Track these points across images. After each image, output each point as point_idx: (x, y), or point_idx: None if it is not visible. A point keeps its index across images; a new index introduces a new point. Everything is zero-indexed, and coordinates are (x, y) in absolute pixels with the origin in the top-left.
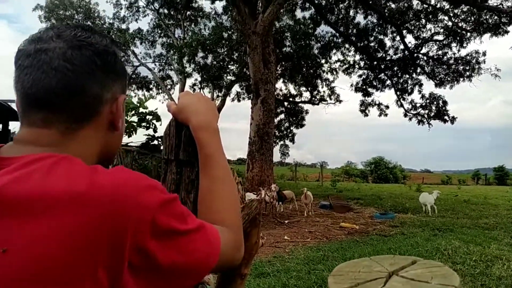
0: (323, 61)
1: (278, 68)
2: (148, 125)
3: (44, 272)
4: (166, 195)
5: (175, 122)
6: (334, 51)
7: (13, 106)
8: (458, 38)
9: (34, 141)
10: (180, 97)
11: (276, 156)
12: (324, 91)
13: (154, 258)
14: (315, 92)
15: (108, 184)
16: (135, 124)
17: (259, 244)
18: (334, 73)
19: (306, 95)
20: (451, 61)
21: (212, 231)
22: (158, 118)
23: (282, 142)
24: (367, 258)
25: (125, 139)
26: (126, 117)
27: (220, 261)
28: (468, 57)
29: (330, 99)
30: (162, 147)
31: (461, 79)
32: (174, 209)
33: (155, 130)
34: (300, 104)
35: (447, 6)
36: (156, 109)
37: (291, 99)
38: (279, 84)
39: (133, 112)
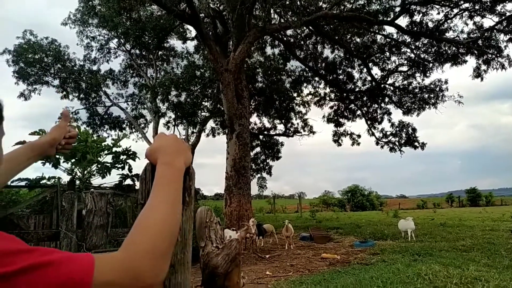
0: (295, 94)
1: (251, 103)
2: (122, 164)
3: None
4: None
5: (150, 167)
6: (305, 84)
7: None
8: (421, 68)
9: None
10: (155, 139)
11: (254, 189)
12: (297, 123)
13: None
14: (289, 125)
15: None
16: (108, 164)
17: (241, 284)
18: (306, 105)
19: (280, 127)
20: (416, 90)
21: (76, 261)
22: (133, 156)
23: (259, 175)
24: None
25: (99, 181)
26: (99, 158)
27: (97, 285)
28: (432, 86)
29: (304, 130)
30: (137, 188)
31: (427, 106)
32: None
33: (130, 170)
34: (275, 137)
35: (408, 39)
36: (130, 147)
37: (265, 132)
38: (253, 118)
39: (106, 152)
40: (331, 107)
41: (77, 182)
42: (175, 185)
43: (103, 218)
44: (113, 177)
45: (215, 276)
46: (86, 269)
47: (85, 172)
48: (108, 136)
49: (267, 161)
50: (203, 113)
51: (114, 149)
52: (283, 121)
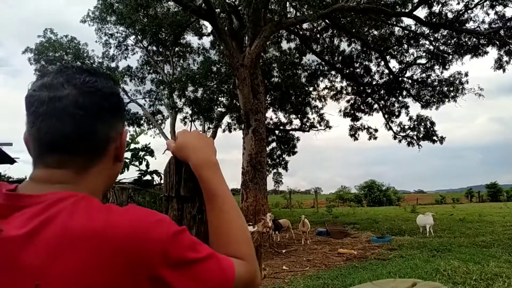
0: (311, 89)
1: (267, 98)
2: (140, 160)
3: None
4: (174, 227)
5: (174, 160)
6: (321, 78)
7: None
8: (440, 60)
9: (49, 179)
10: (178, 136)
11: (270, 185)
12: (313, 118)
13: (170, 286)
14: (305, 120)
15: (121, 223)
16: (127, 161)
17: (262, 276)
18: (323, 100)
19: (296, 122)
20: (435, 83)
21: (226, 261)
22: (151, 153)
23: (275, 170)
24: (369, 283)
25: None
26: None
27: (235, 283)
28: (451, 79)
29: (320, 125)
30: (156, 183)
31: (446, 99)
32: (183, 240)
33: (147, 165)
34: (291, 132)
35: (427, 31)
36: (149, 143)
37: (281, 127)
38: (269, 113)
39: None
40: (348, 101)
41: None
42: (225, 183)
43: None
44: (131, 173)
45: None
46: (231, 267)
47: None
48: (127, 132)
49: (283, 156)
50: (219, 109)
51: (132, 146)
52: (299, 116)
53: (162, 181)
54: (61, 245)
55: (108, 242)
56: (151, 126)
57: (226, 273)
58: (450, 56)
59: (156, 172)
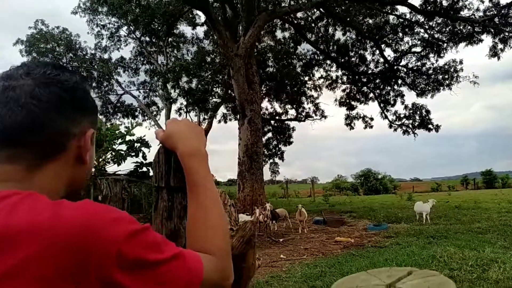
0: (306, 78)
1: (262, 88)
2: (136, 152)
3: None
4: (134, 226)
5: (164, 149)
6: (316, 68)
7: None
8: (435, 48)
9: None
10: (167, 124)
11: (267, 175)
12: (309, 108)
13: None
14: (300, 109)
15: (71, 218)
16: (123, 152)
17: (256, 266)
18: (318, 89)
19: (292, 112)
20: (430, 71)
21: (194, 259)
22: (146, 145)
23: (271, 161)
24: (364, 272)
25: (114, 168)
26: (113, 146)
27: (203, 283)
28: (446, 67)
29: (316, 115)
30: (151, 174)
31: (441, 87)
32: (144, 240)
33: (144, 157)
34: (286, 122)
35: (422, 19)
36: (144, 135)
37: (277, 118)
38: (265, 104)
39: (120, 140)
40: (343, 90)
41: (92, 169)
42: (210, 176)
43: (119, 203)
44: (127, 165)
45: None
46: (199, 266)
47: (100, 160)
48: (121, 124)
49: (279, 146)
50: (214, 99)
51: (128, 138)
52: (294, 105)
53: None
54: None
55: (54, 237)
56: (146, 118)
57: (192, 274)
58: (445, 44)
59: (151, 163)
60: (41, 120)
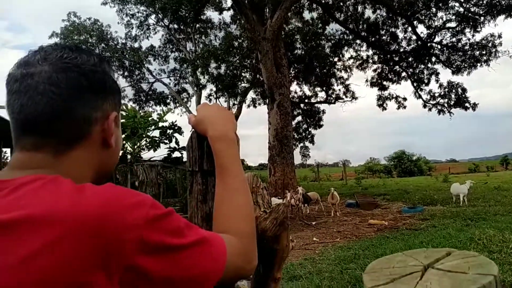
0: (335, 59)
1: (291, 71)
2: (169, 138)
3: None
4: (156, 210)
5: (196, 134)
6: (346, 48)
7: None
8: (471, 23)
9: (26, 164)
10: (198, 109)
11: (297, 159)
12: (339, 90)
13: (146, 274)
14: (330, 91)
15: (92, 203)
16: (156, 139)
17: (290, 247)
18: (348, 70)
19: (322, 95)
20: (466, 47)
21: (217, 244)
22: (179, 130)
23: (301, 144)
24: (400, 253)
25: (150, 154)
26: (147, 133)
27: (227, 273)
28: (483, 42)
29: (346, 96)
30: (185, 159)
31: (478, 64)
32: (166, 224)
33: (177, 143)
34: (316, 105)
35: None
36: (176, 121)
37: (306, 101)
38: (294, 87)
39: (153, 127)
40: (375, 70)
41: (128, 156)
42: (238, 159)
43: (155, 188)
44: (161, 151)
45: (264, 239)
46: (223, 251)
47: (135, 147)
48: (154, 112)
49: (309, 129)
50: (243, 84)
51: (160, 124)
52: (324, 88)
53: None
54: (20, 230)
55: (74, 223)
56: (177, 105)
57: (215, 259)
58: (482, 18)
59: (184, 148)
60: (61, 108)
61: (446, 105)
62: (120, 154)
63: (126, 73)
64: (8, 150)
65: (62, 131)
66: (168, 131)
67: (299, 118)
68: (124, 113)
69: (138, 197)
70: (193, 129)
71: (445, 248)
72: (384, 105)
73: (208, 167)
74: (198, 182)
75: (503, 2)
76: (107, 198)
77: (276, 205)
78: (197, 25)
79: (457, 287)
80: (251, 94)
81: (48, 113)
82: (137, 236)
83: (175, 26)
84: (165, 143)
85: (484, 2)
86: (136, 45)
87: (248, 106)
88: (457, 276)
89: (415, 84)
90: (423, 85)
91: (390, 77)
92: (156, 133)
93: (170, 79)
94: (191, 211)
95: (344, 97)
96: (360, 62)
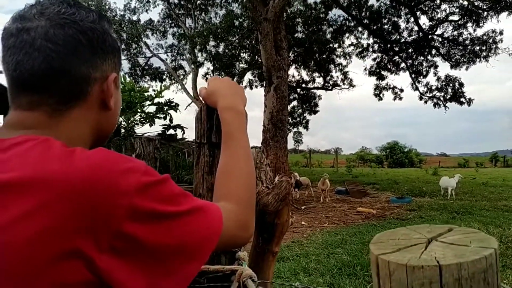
0: (336, 45)
1: (290, 55)
2: (164, 115)
3: (12, 257)
4: (149, 177)
5: (206, 107)
6: (347, 35)
7: None
8: (474, 17)
9: (20, 124)
10: (209, 82)
11: (290, 143)
12: (337, 76)
13: (138, 242)
14: (328, 78)
15: (82, 167)
16: (151, 114)
17: (289, 223)
18: (347, 57)
19: (319, 80)
20: (467, 42)
21: (213, 212)
22: (175, 107)
23: (295, 129)
24: (404, 227)
25: (145, 129)
26: (142, 108)
27: (222, 241)
28: (484, 37)
29: (344, 84)
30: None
31: (478, 59)
32: (159, 192)
33: (171, 120)
34: (313, 90)
35: None
36: (173, 98)
37: (303, 85)
38: (292, 71)
39: (148, 102)
40: (374, 59)
41: (122, 130)
42: (245, 130)
43: (151, 162)
44: (155, 128)
45: (265, 213)
46: (219, 219)
47: (129, 121)
48: (150, 87)
49: (304, 115)
50: (241, 65)
51: (156, 100)
52: (322, 73)
53: (185, 135)
54: (8, 192)
55: (62, 187)
56: (173, 81)
57: (210, 228)
58: (485, 13)
59: (179, 126)
60: (58, 65)
61: (442, 98)
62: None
63: (123, 46)
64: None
65: (59, 89)
66: (164, 107)
67: (295, 102)
68: (121, 86)
69: (131, 163)
70: (203, 102)
71: (447, 224)
72: (381, 95)
73: (216, 140)
74: (205, 154)
75: None
76: (98, 162)
77: (279, 181)
78: (198, 1)
79: (460, 257)
80: (248, 76)
81: (45, 70)
82: (128, 202)
83: (176, 0)
84: (160, 119)
85: None
86: (134, 18)
87: (245, 87)
88: (459, 248)
89: (413, 76)
90: (421, 77)
91: (389, 67)
92: (151, 108)
93: (167, 55)
94: (196, 181)
95: (341, 84)
96: (360, 50)
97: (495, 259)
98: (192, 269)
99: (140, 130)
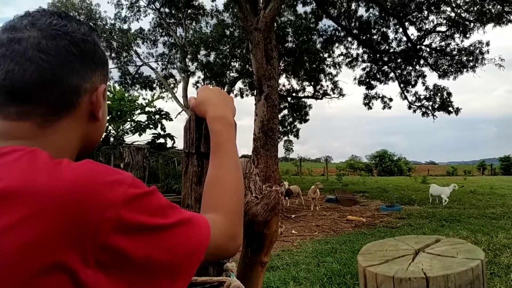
0: (326, 55)
1: (280, 64)
2: (155, 124)
3: None
4: (136, 189)
5: (195, 117)
6: (336, 45)
7: None
8: (461, 28)
9: (8, 134)
10: (199, 91)
11: (281, 152)
12: (327, 85)
13: (125, 255)
14: (318, 87)
15: (69, 179)
16: (142, 124)
17: (278, 233)
18: (337, 67)
19: (309, 89)
20: (454, 52)
21: (201, 224)
22: (167, 116)
23: (286, 138)
24: (391, 238)
25: (135, 138)
26: (132, 117)
27: (209, 252)
28: (471, 48)
29: (334, 93)
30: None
31: (465, 69)
32: (146, 204)
33: (163, 129)
34: (303, 99)
35: None
36: (164, 108)
37: (294, 94)
38: (282, 80)
39: (139, 111)
40: (363, 69)
41: (111, 139)
42: (234, 141)
43: (140, 171)
44: (144, 137)
45: (254, 224)
46: (207, 231)
47: (119, 129)
48: (140, 96)
49: (295, 123)
50: (231, 74)
51: (147, 109)
52: (312, 83)
53: (175, 144)
54: None
55: (48, 200)
56: (163, 90)
57: (198, 240)
58: (472, 24)
59: (169, 135)
60: (50, 76)
61: (430, 108)
62: (104, 136)
63: (113, 55)
64: None
65: (50, 100)
66: (155, 116)
67: (286, 111)
68: (110, 95)
69: (118, 175)
70: (192, 112)
71: (434, 235)
72: (370, 104)
73: (205, 150)
74: (194, 164)
75: (493, 11)
76: (85, 175)
77: (268, 191)
78: (189, 11)
79: (447, 268)
80: (239, 84)
81: (36, 80)
82: (114, 215)
83: (166, 10)
84: (151, 129)
85: (475, 9)
86: (125, 26)
87: (236, 96)
88: (446, 259)
89: (402, 85)
90: (410, 86)
91: (378, 76)
92: (142, 117)
93: (158, 64)
94: (185, 191)
95: (331, 93)
96: (349, 59)
97: (481, 271)
98: (180, 283)
99: (129, 139)
